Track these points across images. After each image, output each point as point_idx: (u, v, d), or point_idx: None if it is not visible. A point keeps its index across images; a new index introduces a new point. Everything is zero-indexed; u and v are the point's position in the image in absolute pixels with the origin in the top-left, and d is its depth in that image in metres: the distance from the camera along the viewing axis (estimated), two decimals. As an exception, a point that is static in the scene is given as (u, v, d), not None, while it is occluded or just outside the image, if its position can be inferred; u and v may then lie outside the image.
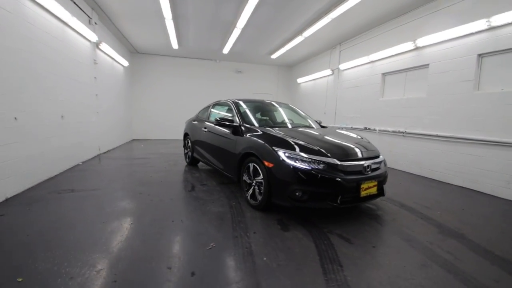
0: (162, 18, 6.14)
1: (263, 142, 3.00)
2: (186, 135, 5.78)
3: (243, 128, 3.59)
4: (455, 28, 4.53)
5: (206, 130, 4.62)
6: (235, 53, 9.53)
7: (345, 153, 2.86)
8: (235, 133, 3.65)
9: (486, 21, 4.04)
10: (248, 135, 3.40)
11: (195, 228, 2.61)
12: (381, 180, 2.96)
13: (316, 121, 4.51)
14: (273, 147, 2.86)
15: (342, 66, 7.87)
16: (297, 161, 2.68)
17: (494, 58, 4.16)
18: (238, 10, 5.72)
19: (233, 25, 6.56)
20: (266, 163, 2.85)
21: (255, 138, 3.18)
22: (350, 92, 7.67)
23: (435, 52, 5.03)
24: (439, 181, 4.93)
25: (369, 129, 6.78)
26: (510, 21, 3.82)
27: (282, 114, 4.40)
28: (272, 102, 4.67)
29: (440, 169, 4.98)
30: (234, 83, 11.41)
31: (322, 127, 4.34)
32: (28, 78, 3.59)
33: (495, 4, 4.00)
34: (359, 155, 2.93)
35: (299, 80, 10.98)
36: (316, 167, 2.64)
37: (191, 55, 10.34)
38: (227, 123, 3.77)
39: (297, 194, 2.65)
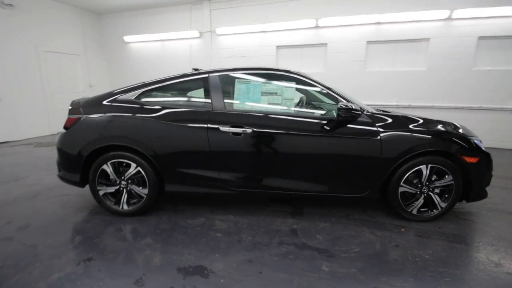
0: None
1: (454, 133, 2.34)
2: (99, 153, 2.36)
3: (369, 116, 2.35)
4: (353, 16, 5.65)
5: (248, 131, 2.27)
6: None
7: None
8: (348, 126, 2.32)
9: (379, 15, 5.53)
10: (379, 125, 2.32)
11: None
12: None
13: None
14: (468, 137, 2.31)
15: (220, 31, 6.75)
16: (482, 146, 2.42)
17: (376, 45, 5.88)
18: None
19: None
20: (467, 159, 2.25)
21: (424, 133, 2.28)
22: (234, 62, 6.91)
23: (334, 33, 6.00)
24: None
25: (267, 102, 6.80)
26: (389, 21, 5.55)
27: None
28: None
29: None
30: (-9, 25, 5.57)
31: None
32: None
33: (384, 3, 5.51)
34: None
35: (129, 39, 7.77)
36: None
37: None
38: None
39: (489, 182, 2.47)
